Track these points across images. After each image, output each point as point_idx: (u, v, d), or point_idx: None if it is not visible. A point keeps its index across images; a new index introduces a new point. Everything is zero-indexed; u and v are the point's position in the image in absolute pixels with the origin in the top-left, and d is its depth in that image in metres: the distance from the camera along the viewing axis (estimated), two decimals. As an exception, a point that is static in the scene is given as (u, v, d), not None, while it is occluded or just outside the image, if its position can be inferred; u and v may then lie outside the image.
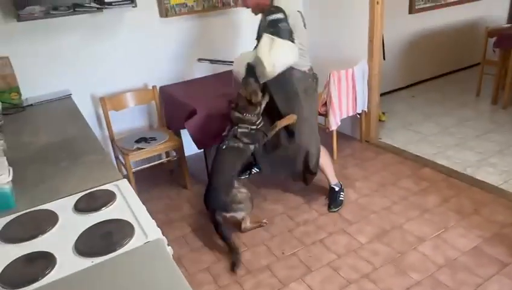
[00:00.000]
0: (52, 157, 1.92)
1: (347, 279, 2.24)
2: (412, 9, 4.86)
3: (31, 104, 2.77)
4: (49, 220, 1.43)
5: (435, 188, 2.99)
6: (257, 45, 2.59)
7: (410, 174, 3.20)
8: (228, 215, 2.54)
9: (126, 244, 1.28)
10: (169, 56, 3.47)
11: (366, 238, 2.55)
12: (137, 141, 3.09)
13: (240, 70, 2.64)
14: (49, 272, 1.18)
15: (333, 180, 2.94)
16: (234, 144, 2.54)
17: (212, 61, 3.32)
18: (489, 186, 2.94)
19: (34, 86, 2.94)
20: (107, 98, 3.13)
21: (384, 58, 3.80)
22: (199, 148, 3.11)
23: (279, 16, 2.42)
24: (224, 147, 2.55)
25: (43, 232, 1.36)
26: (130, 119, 3.42)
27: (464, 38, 5.50)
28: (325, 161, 2.84)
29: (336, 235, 2.60)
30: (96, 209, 1.48)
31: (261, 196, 3.10)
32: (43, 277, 1.16)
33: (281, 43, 2.39)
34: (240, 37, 3.76)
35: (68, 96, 2.90)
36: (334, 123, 3.32)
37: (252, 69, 2.52)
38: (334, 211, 2.84)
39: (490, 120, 4.10)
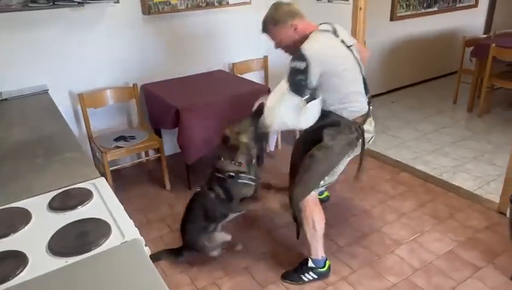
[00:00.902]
0: (26, 153, 1.86)
1: (325, 281, 2.25)
2: (393, 17, 4.95)
3: (6, 99, 2.69)
4: (21, 218, 1.38)
5: (413, 193, 3.04)
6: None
7: (389, 179, 3.24)
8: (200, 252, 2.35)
9: (102, 244, 1.25)
10: (152, 54, 3.43)
11: (345, 241, 2.57)
12: (116, 140, 3.04)
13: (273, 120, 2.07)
14: (20, 272, 1.14)
15: (315, 254, 2.27)
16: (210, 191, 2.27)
17: None
18: (464, 191, 3.01)
19: (9, 80, 2.85)
20: (85, 95, 3.07)
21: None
22: (189, 162, 3.04)
23: (300, 65, 1.88)
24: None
25: (15, 230, 1.32)
26: (109, 117, 3.36)
27: (442, 47, 5.64)
28: (319, 227, 2.22)
29: (315, 237, 2.61)
30: (72, 207, 1.44)
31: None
32: (13, 277, 1.12)
33: (288, 98, 1.94)
34: (224, 38, 3.75)
35: (45, 92, 2.82)
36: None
37: (259, 114, 2.13)
38: (287, 283, 2.27)
39: (466, 127, 4.21)
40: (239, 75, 3.76)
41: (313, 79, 1.92)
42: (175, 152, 3.57)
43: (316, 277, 2.25)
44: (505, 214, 2.67)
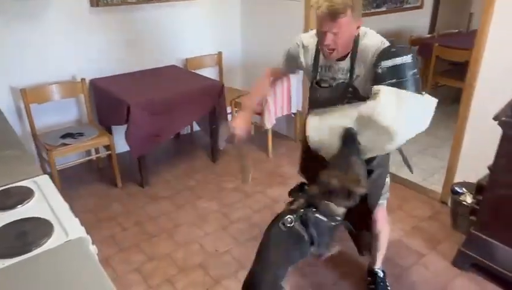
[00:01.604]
0: (-40, 151, 1.74)
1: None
2: (344, 15, 5.07)
3: None
4: (-47, 219, 1.29)
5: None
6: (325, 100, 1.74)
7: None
8: None
9: (43, 244, 1.20)
10: (101, 48, 3.30)
11: (298, 234, 2.62)
12: (63, 137, 2.90)
13: (323, 139, 1.72)
14: (-49, 276, 1.07)
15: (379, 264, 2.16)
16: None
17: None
18: (410, 183, 3.16)
19: None
20: (28, 90, 2.90)
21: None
22: (135, 157, 2.99)
23: (406, 59, 1.53)
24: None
25: None
26: (56, 113, 3.20)
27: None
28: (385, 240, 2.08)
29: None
30: (11, 207, 1.37)
31: (195, 194, 3.06)
32: None
33: (415, 100, 1.54)
34: (177, 33, 3.68)
35: (-17, 86, 2.65)
36: (269, 122, 3.37)
37: (353, 138, 1.60)
38: None
39: (412, 122, 4.41)
40: (192, 70, 3.71)
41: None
42: (127, 149, 3.47)
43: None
44: (447, 204, 2.83)
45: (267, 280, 1.65)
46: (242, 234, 2.62)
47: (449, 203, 2.76)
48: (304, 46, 1.80)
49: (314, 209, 1.64)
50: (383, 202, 1.95)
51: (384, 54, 1.56)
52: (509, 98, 2.06)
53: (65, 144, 2.82)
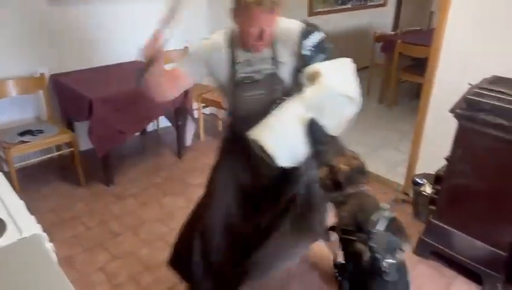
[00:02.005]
0: None
1: (246, 268, 2.29)
2: (310, 12, 5.14)
3: None
4: None
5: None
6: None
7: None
8: None
9: (-5, 241, 1.15)
10: (62, 43, 3.19)
11: (265, 228, 2.63)
12: (21, 134, 2.79)
13: (286, 148, 1.52)
14: None
15: None
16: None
17: None
18: (374, 175, 3.23)
19: None
20: (-17, 86, 2.78)
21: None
22: (100, 154, 2.90)
23: (322, 35, 1.64)
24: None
25: None
26: (13, 110, 3.08)
27: (357, 42, 5.98)
28: None
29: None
30: (-41, 205, 1.30)
31: (160, 191, 3.02)
32: None
33: (345, 62, 1.67)
34: (140, 28, 3.60)
35: None
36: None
37: (319, 128, 1.52)
38: None
39: (376, 117, 4.53)
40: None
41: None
42: (91, 147, 3.38)
43: None
44: (409, 195, 2.92)
45: None
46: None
47: (411, 195, 2.85)
48: (214, 46, 1.65)
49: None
50: None
51: (307, 33, 1.60)
52: (464, 92, 2.15)
53: (24, 142, 2.71)
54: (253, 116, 1.56)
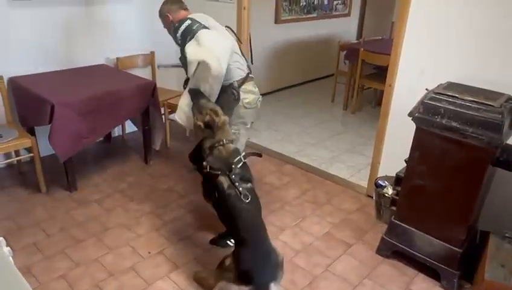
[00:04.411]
0: None
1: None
2: (277, 20, 5.23)
3: None
4: None
5: (296, 183, 3.25)
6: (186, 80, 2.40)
7: (274, 170, 3.42)
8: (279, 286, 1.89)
9: None
10: (22, 45, 3.09)
11: (233, 231, 2.64)
12: (-22, 138, 2.68)
13: (186, 117, 2.38)
14: None
15: None
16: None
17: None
18: (339, 179, 3.32)
19: None
20: None
21: (251, 63, 4.00)
22: (62, 160, 2.81)
23: (186, 22, 2.27)
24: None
25: None
26: (-31, 114, 2.95)
27: (322, 51, 6.14)
28: None
29: (203, 231, 2.63)
30: None
31: (127, 196, 2.97)
32: None
33: (202, 33, 2.19)
34: (107, 31, 3.56)
35: None
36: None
37: (197, 92, 2.23)
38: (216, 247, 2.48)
39: (342, 123, 4.65)
40: (124, 70, 3.61)
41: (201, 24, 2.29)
42: (53, 152, 3.28)
43: None
44: (372, 197, 3.01)
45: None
46: (175, 234, 2.59)
47: (374, 197, 2.94)
48: None
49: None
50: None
51: (176, 28, 2.31)
52: (422, 97, 2.25)
53: (-20, 147, 2.60)
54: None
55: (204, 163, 2.04)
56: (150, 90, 3.19)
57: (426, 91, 2.20)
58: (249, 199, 1.93)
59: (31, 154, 2.86)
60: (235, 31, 3.52)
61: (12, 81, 3.04)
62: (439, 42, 2.46)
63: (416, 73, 2.58)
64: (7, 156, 3.17)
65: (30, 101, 2.88)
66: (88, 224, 2.64)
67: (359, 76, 4.67)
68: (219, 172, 1.98)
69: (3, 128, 2.94)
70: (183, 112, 2.41)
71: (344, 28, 6.44)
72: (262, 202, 2.92)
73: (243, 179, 1.99)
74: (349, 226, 2.73)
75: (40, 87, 2.89)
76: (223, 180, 1.96)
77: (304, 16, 5.63)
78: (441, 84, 2.23)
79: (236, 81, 2.37)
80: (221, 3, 3.59)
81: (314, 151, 3.84)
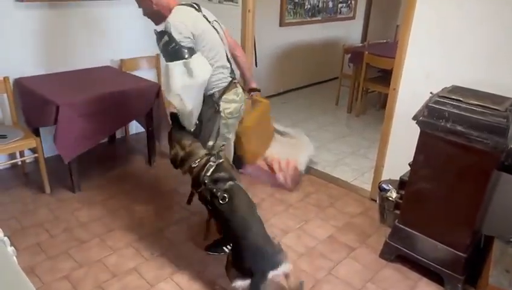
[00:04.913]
0: None
1: (216, 274, 2.28)
2: (282, 23, 5.24)
3: None
4: None
5: (299, 185, 3.25)
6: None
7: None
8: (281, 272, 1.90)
9: (-48, 245, 1.11)
10: (28, 46, 3.12)
11: (236, 233, 2.64)
12: (-17, 139, 2.70)
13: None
14: None
15: None
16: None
17: None
18: (343, 182, 3.31)
19: None
20: None
21: (256, 65, 4.02)
22: (67, 161, 2.82)
23: (165, 39, 2.06)
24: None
25: None
26: (-26, 114, 2.97)
27: (327, 54, 6.13)
28: None
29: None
30: None
31: (130, 198, 2.97)
32: None
33: (171, 67, 2.05)
34: (112, 33, 3.58)
35: None
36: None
37: (176, 119, 2.23)
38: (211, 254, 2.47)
39: (346, 126, 4.64)
40: (128, 72, 3.62)
41: (184, 41, 2.05)
42: (57, 153, 3.29)
43: None
44: (376, 201, 3.00)
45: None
46: (179, 235, 2.59)
47: (377, 200, 2.93)
48: None
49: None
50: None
51: (157, 35, 2.13)
52: (426, 100, 2.25)
53: (-15, 147, 2.62)
54: None
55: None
56: (154, 92, 3.20)
57: (431, 95, 2.20)
58: (227, 199, 2.00)
59: (36, 155, 2.88)
60: (240, 33, 3.55)
61: (18, 82, 3.06)
62: (444, 46, 2.45)
63: (421, 77, 2.58)
64: (12, 156, 3.18)
65: (35, 102, 2.90)
66: (91, 225, 2.65)
67: (363, 79, 4.66)
68: (199, 189, 2.11)
69: (8, 128, 2.96)
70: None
71: (349, 31, 6.44)
72: (266, 205, 2.95)
73: (218, 181, 2.05)
74: (353, 230, 2.72)
75: (45, 88, 2.90)
76: (206, 193, 2.08)
77: (309, 19, 5.63)
78: (445, 87, 2.23)
79: (218, 91, 2.24)
80: (226, 6, 3.60)
81: (318, 154, 3.83)
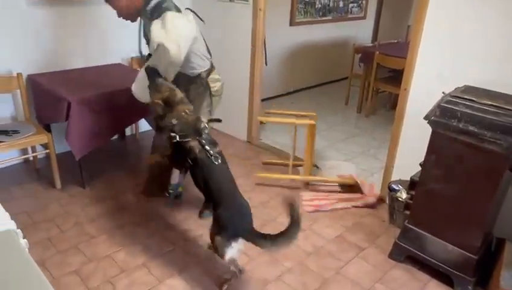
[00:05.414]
0: None
1: (224, 271, 2.28)
2: (292, 22, 5.23)
3: None
4: None
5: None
6: (149, 55, 2.41)
7: (286, 172, 3.41)
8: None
9: (-33, 236, 1.12)
10: (40, 43, 3.15)
11: (244, 231, 2.64)
12: (-4, 134, 2.73)
13: (141, 91, 2.42)
14: None
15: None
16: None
17: None
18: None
19: None
20: (-43, 83, 2.71)
21: (266, 64, 4.01)
22: (78, 157, 2.84)
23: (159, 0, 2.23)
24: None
25: None
26: (-12, 109, 3.01)
27: (337, 53, 6.11)
28: None
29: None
30: None
31: (140, 194, 2.99)
32: None
33: (171, 15, 2.18)
34: (123, 31, 3.58)
35: None
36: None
37: (154, 71, 2.26)
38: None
39: (355, 126, 4.62)
40: (139, 70, 3.63)
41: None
42: (68, 149, 3.32)
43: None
44: (385, 201, 2.98)
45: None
46: (188, 232, 2.60)
47: (387, 201, 2.91)
48: None
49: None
50: None
51: (144, 6, 2.31)
52: (438, 100, 2.22)
53: (-2, 141, 2.65)
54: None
55: (172, 134, 2.09)
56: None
57: (443, 94, 2.17)
58: (219, 160, 2.08)
59: (47, 151, 2.91)
60: (251, 32, 3.55)
61: (31, 78, 3.09)
62: (456, 45, 2.43)
63: (433, 77, 2.55)
64: (24, 152, 3.22)
65: (47, 98, 2.93)
66: (101, 220, 2.67)
67: (374, 79, 4.63)
68: (190, 139, 2.07)
69: (21, 124, 2.99)
70: (140, 83, 2.45)
71: (359, 30, 6.41)
72: (273, 203, 2.95)
73: (211, 143, 2.12)
74: (362, 230, 2.71)
75: (57, 85, 2.93)
76: (195, 145, 2.06)
77: (319, 18, 5.61)
78: (458, 87, 2.20)
79: (204, 71, 2.49)
80: (237, 4, 3.60)
81: (327, 153, 3.82)
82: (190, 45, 2.31)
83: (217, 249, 2.01)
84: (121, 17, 2.43)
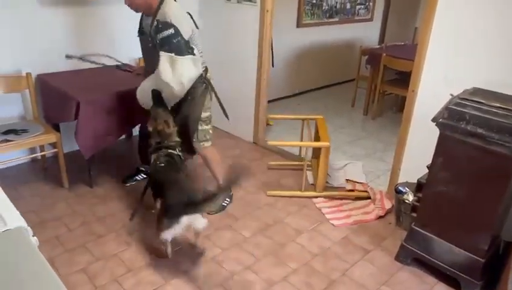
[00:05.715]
0: None
1: (230, 271, 2.29)
2: (299, 24, 5.23)
3: None
4: None
5: (314, 186, 3.23)
6: (146, 59, 2.56)
7: (292, 174, 3.41)
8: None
9: (-22, 232, 1.14)
10: (50, 43, 3.18)
11: (250, 232, 2.64)
12: (5, 133, 2.76)
13: (145, 100, 2.57)
14: None
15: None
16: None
17: (83, 59, 2.91)
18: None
19: None
20: (-32, 83, 2.74)
21: (273, 65, 4.02)
22: (87, 156, 2.87)
23: (170, 31, 2.29)
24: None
25: None
26: (-2, 108, 3.04)
27: (343, 55, 6.10)
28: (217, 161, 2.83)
29: (221, 231, 2.64)
30: None
31: (148, 193, 2.99)
32: None
33: (181, 60, 2.32)
34: (130, 31, 3.61)
35: None
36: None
37: (158, 96, 2.45)
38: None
39: (361, 128, 4.61)
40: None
41: (185, 35, 2.35)
42: (75, 149, 3.34)
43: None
44: (392, 203, 2.97)
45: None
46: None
47: (393, 203, 2.90)
48: None
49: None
50: (206, 146, 2.72)
51: (156, 29, 2.34)
52: (446, 102, 2.22)
53: (7, 140, 2.68)
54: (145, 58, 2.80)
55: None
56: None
57: (451, 97, 2.17)
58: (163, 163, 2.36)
59: (55, 150, 2.93)
60: (258, 33, 3.57)
61: (39, 78, 3.12)
62: (464, 48, 2.42)
63: (441, 79, 2.55)
64: (32, 151, 3.25)
65: (56, 98, 2.96)
66: (108, 219, 2.69)
67: (380, 81, 4.62)
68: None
69: (30, 123, 3.02)
70: (144, 92, 2.57)
71: (366, 32, 6.39)
72: (280, 205, 2.95)
73: (167, 147, 2.41)
74: (368, 232, 2.70)
75: (66, 85, 2.96)
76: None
77: (326, 20, 5.61)
78: (466, 89, 2.19)
79: (204, 71, 2.55)
80: (245, 5, 3.61)
81: (333, 155, 3.80)
82: (193, 80, 2.43)
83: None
84: (129, 6, 2.51)
